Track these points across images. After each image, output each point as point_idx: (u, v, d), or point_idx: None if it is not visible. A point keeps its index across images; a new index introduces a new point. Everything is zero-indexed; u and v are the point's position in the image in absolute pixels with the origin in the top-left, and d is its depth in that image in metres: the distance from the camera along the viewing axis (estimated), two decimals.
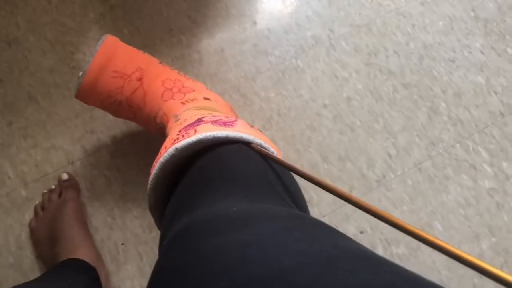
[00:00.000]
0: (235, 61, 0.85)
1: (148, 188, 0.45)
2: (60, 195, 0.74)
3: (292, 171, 0.37)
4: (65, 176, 0.75)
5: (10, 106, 0.81)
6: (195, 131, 0.43)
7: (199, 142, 0.42)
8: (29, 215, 0.75)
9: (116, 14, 0.87)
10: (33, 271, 0.72)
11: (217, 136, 0.42)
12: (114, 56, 0.62)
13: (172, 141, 0.44)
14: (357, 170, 0.78)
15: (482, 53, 0.85)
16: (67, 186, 0.74)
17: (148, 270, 0.72)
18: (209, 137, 0.42)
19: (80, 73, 0.62)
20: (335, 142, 0.79)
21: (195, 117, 0.51)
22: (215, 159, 0.41)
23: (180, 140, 0.42)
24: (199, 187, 0.38)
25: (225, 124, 0.45)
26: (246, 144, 0.44)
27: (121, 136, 0.79)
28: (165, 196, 0.46)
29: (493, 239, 0.74)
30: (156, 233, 0.74)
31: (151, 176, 0.44)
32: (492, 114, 0.81)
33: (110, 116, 0.80)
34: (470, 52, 0.85)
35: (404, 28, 0.87)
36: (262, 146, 0.44)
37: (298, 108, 0.82)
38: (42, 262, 0.72)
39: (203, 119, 0.47)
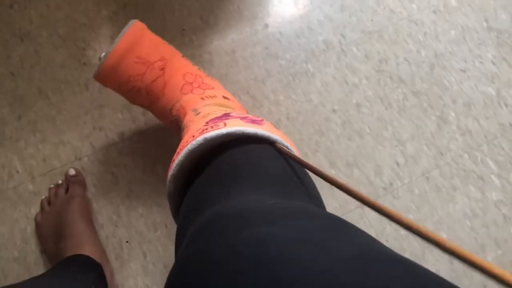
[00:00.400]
0: (246, 63, 0.85)
1: (170, 174, 0.45)
2: (66, 190, 0.74)
3: (318, 175, 0.37)
4: (72, 172, 0.75)
5: (20, 100, 0.81)
6: (225, 124, 0.43)
7: (228, 135, 0.42)
8: (35, 209, 0.75)
9: (129, 12, 0.87)
10: (37, 266, 0.72)
11: (246, 132, 0.42)
12: (140, 41, 0.62)
13: (200, 131, 0.44)
14: (364, 177, 0.78)
15: (494, 64, 0.85)
16: (74, 182, 0.74)
17: (152, 269, 0.72)
18: (238, 132, 0.42)
19: (103, 54, 0.61)
20: (343, 148, 0.79)
21: (221, 112, 0.51)
22: (244, 154, 0.41)
23: (209, 131, 0.42)
24: (226, 179, 0.38)
25: (253, 122, 0.45)
26: (271, 145, 0.44)
27: (130, 134, 0.80)
28: (184, 185, 0.46)
29: (499, 252, 0.74)
30: (160, 232, 0.74)
31: (175, 162, 0.44)
32: (502, 126, 0.81)
33: (119, 114, 0.81)
34: (481, 63, 0.85)
35: (416, 36, 0.87)
36: (288, 149, 0.44)
37: (307, 112, 0.82)
38: (46, 257, 0.72)
39: (231, 114, 0.47)
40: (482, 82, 0.84)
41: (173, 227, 0.74)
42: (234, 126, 0.42)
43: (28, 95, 0.82)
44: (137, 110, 0.81)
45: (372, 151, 0.79)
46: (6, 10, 0.88)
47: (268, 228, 0.27)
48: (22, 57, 0.84)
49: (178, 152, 0.44)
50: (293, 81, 0.84)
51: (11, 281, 0.72)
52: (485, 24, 0.88)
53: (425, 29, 0.87)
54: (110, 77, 0.62)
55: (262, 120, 0.47)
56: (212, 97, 0.61)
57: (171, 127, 0.66)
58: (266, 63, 0.85)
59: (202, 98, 0.60)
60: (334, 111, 0.82)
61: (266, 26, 0.87)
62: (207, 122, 0.46)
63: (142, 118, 0.80)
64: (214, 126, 0.43)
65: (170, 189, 0.46)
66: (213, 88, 0.63)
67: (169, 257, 0.73)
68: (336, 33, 0.87)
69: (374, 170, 0.78)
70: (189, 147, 0.43)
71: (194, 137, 0.43)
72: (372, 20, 0.88)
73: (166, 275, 0.71)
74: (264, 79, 0.84)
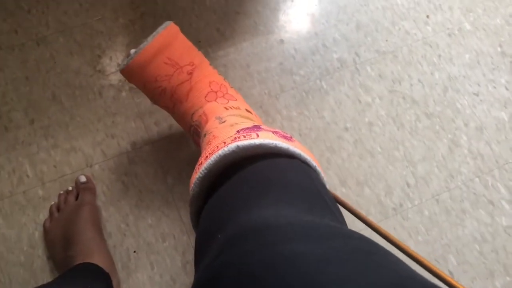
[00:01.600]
0: (260, 77, 0.85)
1: (196, 177, 0.44)
2: (76, 197, 0.74)
3: (351, 212, 0.37)
4: (83, 179, 0.75)
5: (34, 105, 0.82)
6: (257, 135, 0.43)
7: (261, 146, 0.41)
8: (44, 214, 0.75)
9: (146, 22, 0.88)
10: (43, 272, 0.72)
11: (278, 146, 0.42)
12: (172, 43, 0.62)
13: (232, 138, 0.44)
14: (374, 196, 0.78)
15: (507, 89, 0.85)
16: (84, 189, 0.74)
17: (159, 280, 0.72)
18: (271, 145, 0.42)
19: (133, 50, 0.61)
20: (354, 167, 0.79)
21: (249, 123, 0.51)
22: (276, 167, 0.41)
23: (242, 140, 0.42)
24: (259, 188, 0.37)
25: (284, 137, 0.45)
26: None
27: (142, 143, 0.80)
28: (207, 191, 0.45)
29: (508, 278, 0.74)
30: (168, 243, 0.74)
31: (204, 165, 0.43)
32: None
33: (132, 123, 0.81)
34: (494, 87, 0.85)
35: (430, 58, 0.87)
36: (316, 169, 0.44)
37: (319, 129, 0.82)
38: (53, 263, 0.71)
39: (261, 127, 0.47)
40: (494, 107, 0.84)
41: (181, 238, 0.74)
42: (267, 138, 0.42)
43: (42, 100, 0.82)
44: (150, 119, 0.81)
45: (383, 170, 0.79)
46: (24, 14, 0.88)
47: (307, 245, 0.26)
48: (37, 61, 0.85)
49: (207, 157, 0.44)
50: (307, 97, 0.84)
51: (16, 285, 0.71)
52: (499, 49, 0.88)
53: (440, 51, 0.88)
54: (137, 74, 0.62)
55: (292, 137, 0.47)
56: (235, 108, 0.61)
57: (188, 132, 0.66)
58: (280, 79, 0.85)
59: (226, 108, 0.60)
60: (346, 129, 0.82)
61: (282, 41, 0.88)
62: (238, 131, 0.46)
63: (155, 128, 0.80)
64: (247, 136, 0.43)
65: (195, 192, 0.45)
66: (236, 100, 0.64)
67: (177, 269, 0.72)
68: (351, 52, 0.87)
69: (385, 190, 0.78)
70: (220, 152, 0.42)
71: (226, 144, 0.43)
72: (387, 41, 0.88)
73: (173, 287, 0.70)
74: (278, 95, 0.84)
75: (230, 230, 0.32)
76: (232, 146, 0.42)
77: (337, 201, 0.40)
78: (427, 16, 0.91)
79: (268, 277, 0.24)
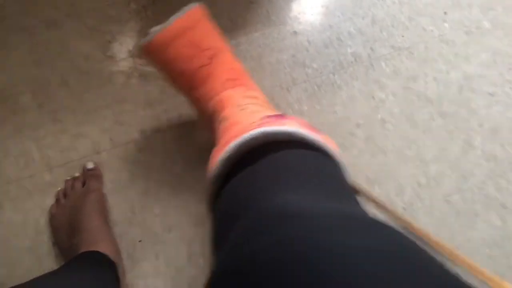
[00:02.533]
0: (272, 69, 0.84)
1: (221, 157, 0.43)
2: (83, 184, 0.73)
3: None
4: (90, 165, 0.74)
5: (42, 88, 0.80)
6: (283, 123, 0.42)
7: (287, 134, 0.41)
8: (50, 200, 0.74)
9: (158, 8, 0.86)
10: (48, 257, 0.71)
11: (305, 136, 0.41)
12: (196, 25, 0.60)
13: (259, 123, 0.43)
14: (385, 195, 0.76)
15: None
16: (91, 176, 0.74)
17: (164, 271, 0.71)
18: (298, 134, 0.41)
19: (154, 28, 0.59)
20: (365, 164, 0.78)
21: (272, 111, 0.50)
22: (304, 156, 0.40)
23: (271, 124, 0.41)
24: (286, 174, 0.36)
25: (311, 128, 0.44)
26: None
27: (150, 131, 0.79)
28: (225, 175, 0.44)
29: None
30: (174, 234, 0.73)
31: (228, 147, 0.42)
32: None
33: (141, 111, 0.80)
34: (511, 88, 0.83)
35: (447, 56, 0.85)
36: (339, 162, 0.43)
37: (330, 124, 0.80)
38: (58, 250, 0.71)
39: (286, 116, 0.46)
40: (510, 108, 0.82)
41: (187, 230, 0.73)
42: (294, 127, 0.41)
43: (51, 84, 0.81)
44: (160, 107, 0.80)
45: (394, 169, 0.78)
46: None
47: (345, 236, 0.24)
48: (47, 45, 0.84)
49: (228, 141, 0.43)
50: (319, 91, 0.82)
51: (20, 271, 0.71)
52: None
53: (456, 49, 0.86)
54: (157, 52, 0.60)
55: (315, 128, 0.46)
56: (254, 97, 0.60)
57: (203, 116, 0.64)
58: (292, 71, 0.84)
59: (244, 97, 0.59)
60: (358, 125, 0.80)
61: (295, 33, 0.86)
62: (261, 118, 0.45)
63: (164, 116, 0.79)
64: (274, 122, 0.42)
65: (219, 171, 0.43)
66: (255, 89, 0.63)
67: (182, 260, 0.72)
68: (366, 47, 0.85)
69: (395, 188, 0.77)
70: (246, 136, 0.41)
71: (250, 129, 0.42)
72: (403, 36, 0.86)
73: (178, 277, 0.70)
74: (289, 87, 0.82)
75: (255, 214, 0.30)
76: (257, 132, 0.41)
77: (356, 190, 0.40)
78: (445, 13, 0.89)
79: (302, 271, 0.22)
